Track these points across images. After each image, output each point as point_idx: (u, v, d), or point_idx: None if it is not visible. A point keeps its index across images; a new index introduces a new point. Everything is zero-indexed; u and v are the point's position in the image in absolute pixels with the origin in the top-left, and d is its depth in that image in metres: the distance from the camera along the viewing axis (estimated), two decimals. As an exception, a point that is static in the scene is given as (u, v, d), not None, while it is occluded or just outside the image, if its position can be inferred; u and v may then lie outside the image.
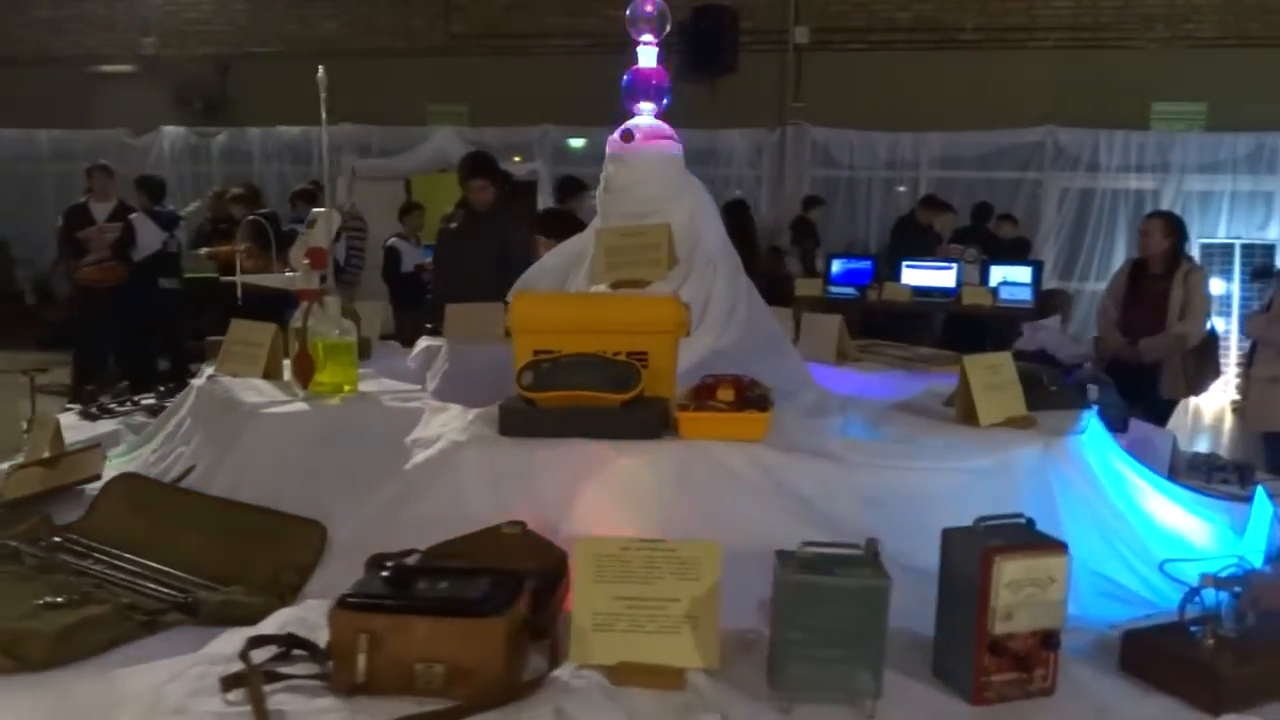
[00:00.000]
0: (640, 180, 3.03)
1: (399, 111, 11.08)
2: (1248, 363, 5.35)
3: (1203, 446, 6.38)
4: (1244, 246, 9.68)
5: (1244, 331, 7.30)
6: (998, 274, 8.08)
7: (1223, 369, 6.19)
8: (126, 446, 3.11)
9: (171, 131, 11.72)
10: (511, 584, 1.60)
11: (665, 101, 3.11)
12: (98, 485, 2.51)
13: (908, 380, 3.18)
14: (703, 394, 2.23)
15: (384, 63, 11.02)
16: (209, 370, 2.92)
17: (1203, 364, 5.07)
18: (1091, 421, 2.55)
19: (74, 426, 3.43)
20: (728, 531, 1.97)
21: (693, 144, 11.22)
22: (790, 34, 10.36)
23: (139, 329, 7.84)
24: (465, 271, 5.28)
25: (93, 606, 1.78)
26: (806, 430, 2.29)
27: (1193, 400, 6.71)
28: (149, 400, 3.71)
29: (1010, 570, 1.53)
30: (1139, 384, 5.01)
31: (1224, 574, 1.99)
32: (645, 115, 3.10)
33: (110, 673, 1.64)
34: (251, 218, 8.59)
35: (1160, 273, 5.14)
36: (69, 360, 8.21)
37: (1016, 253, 9.01)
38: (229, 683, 1.54)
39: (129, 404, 3.72)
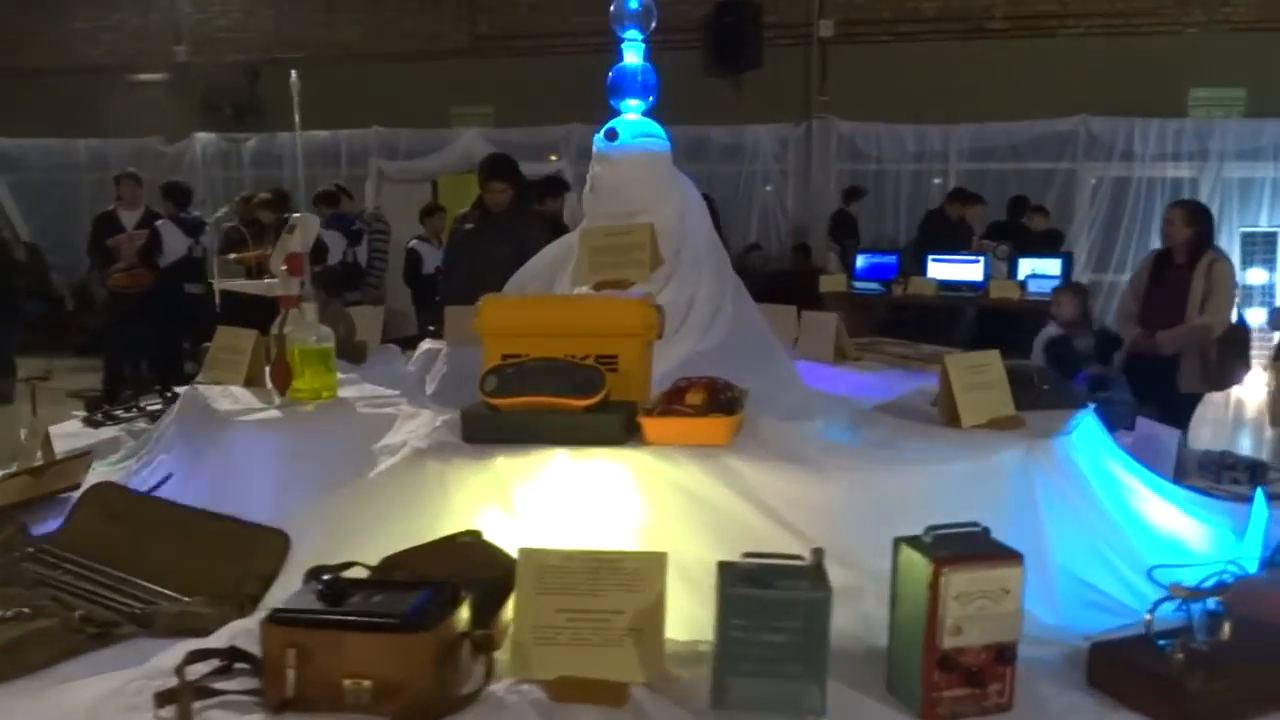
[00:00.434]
0: (625, 179, 2.98)
1: (425, 114, 11.13)
2: (1276, 356, 5.17)
3: (1243, 445, 6.15)
4: (1287, 234, 9.40)
5: (1269, 324, 7.09)
6: (1026, 266, 7.93)
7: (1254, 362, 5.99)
8: (124, 453, 3.13)
9: (203, 138, 11.88)
10: (447, 597, 1.56)
11: (651, 98, 3.05)
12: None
13: (904, 380, 3.09)
14: (673, 397, 2.18)
15: (410, 65, 11.07)
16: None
17: (1228, 357, 4.90)
18: (1085, 422, 2.46)
19: (77, 434, 3.47)
20: (688, 540, 1.94)
21: (718, 140, 11.19)
22: (815, 27, 10.23)
23: (167, 334, 7.95)
24: (477, 273, 5.25)
25: (41, 620, 1.78)
26: (782, 434, 2.22)
27: (1234, 394, 6.50)
28: (155, 406, 3.73)
29: (959, 582, 1.46)
30: (1157, 378, 4.87)
31: (1208, 581, 1.91)
32: (632, 113, 3.04)
33: (52, 688, 1.63)
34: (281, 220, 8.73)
35: (1183, 263, 4.98)
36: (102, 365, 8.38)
37: (1049, 245, 8.82)
38: (163, 698, 1.52)
39: (134, 410, 3.75)
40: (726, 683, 1.46)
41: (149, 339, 8.03)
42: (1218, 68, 9.50)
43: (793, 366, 2.91)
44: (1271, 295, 9.29)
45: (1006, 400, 2.37)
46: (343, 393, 2.72)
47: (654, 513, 2.01)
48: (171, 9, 11.92)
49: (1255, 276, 9.40)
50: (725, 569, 1.51)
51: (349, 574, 1.69)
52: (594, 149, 3.05)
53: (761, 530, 1.97)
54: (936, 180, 10.26)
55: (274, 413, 2.47)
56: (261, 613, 1.89)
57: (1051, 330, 5.98)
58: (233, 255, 9.51)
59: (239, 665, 1.64)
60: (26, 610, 1.81)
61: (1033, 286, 7.69)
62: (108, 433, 3.46)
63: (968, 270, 8.06)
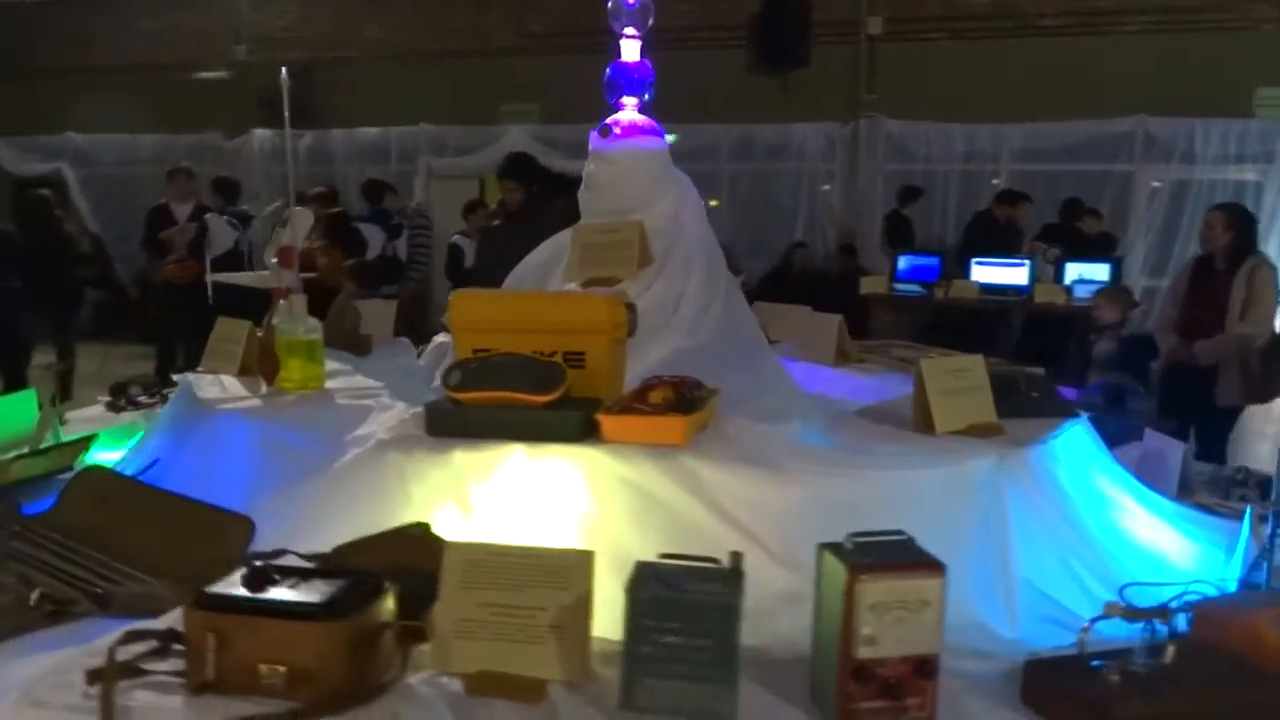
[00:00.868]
0: (620, 176, 2.98)
1: (474, 111, 11.25)
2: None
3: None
4: (1358, 242, 9.00)
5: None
6: (1073, 271, 7.73)
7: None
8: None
9: (261, 134, 12.16)
10: (369, 587, 1.57)
11: (648, 96, 3.04)
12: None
13: (903, 384, 3.02)
14: (639, 396, 2.17)
15: (459, 63, 11.20)
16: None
17: (1271, 368, 4.70)
18: (1071, 432, 2.39)
19: (99, 418, 3.58)
20: (638, 539, 1.92)
21: (763, 138, 11.13)
22: (863, 24, 10.09)
23: (211, 324, 8.13)
24: (503, 269, 5.30)
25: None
26: (748, 435, 2.19)
27: (1278, 407, 6.24)
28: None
29: (875, 592, 1.43)
30: (1195, 390, 4.70)
31: (1175, 601, 1.84)
32: (628, 110, 3.04)
33: (-1, 663, 1.68)
34: (327, 215, 8.90)
35: (1224, 269, 4.80)
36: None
37: (1102, 249, 8.58)
38: (92, 676, 1.56)
39: (156, 396, 3.85)
40: (635, 684, 1.44)
41: (196, 329, 8.23)
42: (1288, 66, 9.16)
43: (781, 367, 2.88)
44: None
45: (987, 407, 2.31)
46: (332, 384, 2.76)
47: (606, 511, 2.00)
48: (232, 10, 12.21)
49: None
50: (639, 569, 1.49)
51: (294, 562, 1.71)
52: (590, 146, 3.05)
53: (713, 531, 1.95)
54: (995, 181, 10.04)
55: (254, 401, 2.52)
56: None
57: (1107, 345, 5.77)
58: (281, 249, 9.71)
59: (176, 647, 1.67)
60: (-15, 587, 1.86)
61: (1079, 291, 7.49)
62: (127, 417, 3.57)
63: (1012, 274, 7.89)
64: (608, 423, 2.06)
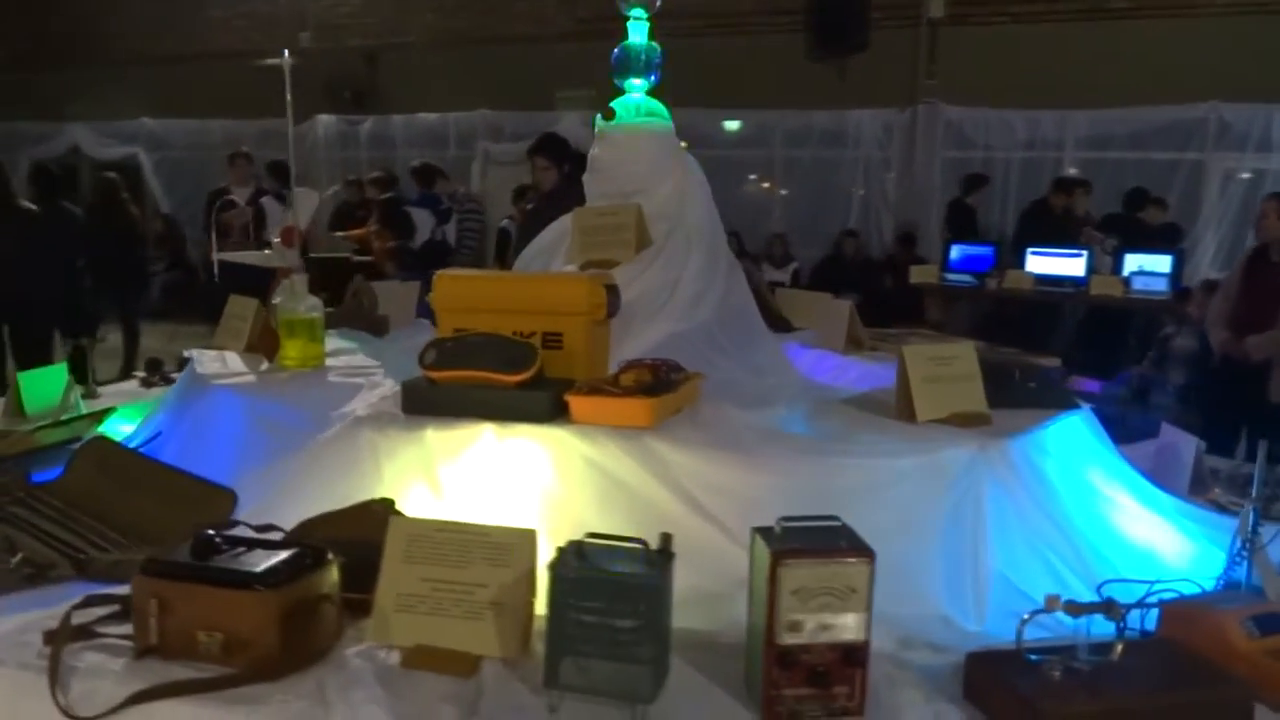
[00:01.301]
0: (624, 159, 2.97)
1: (531, 97, 11.30)
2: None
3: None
4: None
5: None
6: (1132, 262, 7.46)
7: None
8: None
9: (325, 120, 12.40)
10: (309, 559, 1.60)
11: (654, 77, 3.03)
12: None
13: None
14: (614, 378, 2.16)
15: (516, 49, 11.26)
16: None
17: (1327, 365, 4.48)
18: (1065, 424, 2.31)
19: (131, 393, 3.72)
20: (600, 521, 1.91)
21: (818, 125, 10.96)
22: (925, 8, 9.85)
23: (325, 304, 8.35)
24: (533, 250, 5.33)
25: (-21, 558, 1.91)
26: (722, 419, 2.17)
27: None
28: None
29: (798, 577, 1.40)
30: (1248, 387, 4.51)
31: (1151, 598, 1.78)
32: (635, 92, 3.02)
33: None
34: (381, 199, 9.06)
35: (1279, 260, 4.59)
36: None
37: (1165, 241, 8.27)
38: (48, 637, 1.62)
39: (187, 373, 3.97)
40: (557, 662, 1.44)
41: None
42: (1375, 50, 8.70)
43: (780, 353, 2.84)
44: None
45: (975, 396, 2.24)
46: (335, 362, 2.81)
47: (571, 492, 2.00)
48: (299, -2, 12.48)
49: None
50: (568, 548, 1.49)
51: (246, 533, 1.74)
52: (595, 128, 3.05)
53: (676, 515, 1.94)
54: (1074, 171, 9.70)
55: (249, 378, 2.57)
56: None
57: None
58: (339, 233, 9.97)
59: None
60: (-30, 549, 1.94)
61: (1138, 284, 7.24)
62: (157, 392, 3.69)
63: (1069, 264, 7.65)
64: (576, 404, 2.06)
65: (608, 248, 2.80)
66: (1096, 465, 2.33)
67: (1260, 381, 4.54)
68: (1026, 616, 1.50)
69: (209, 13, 12.91)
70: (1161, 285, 7.16)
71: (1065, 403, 2.42)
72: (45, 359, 5.59)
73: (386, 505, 1.96)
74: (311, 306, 2.74)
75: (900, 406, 2.24)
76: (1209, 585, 1.92)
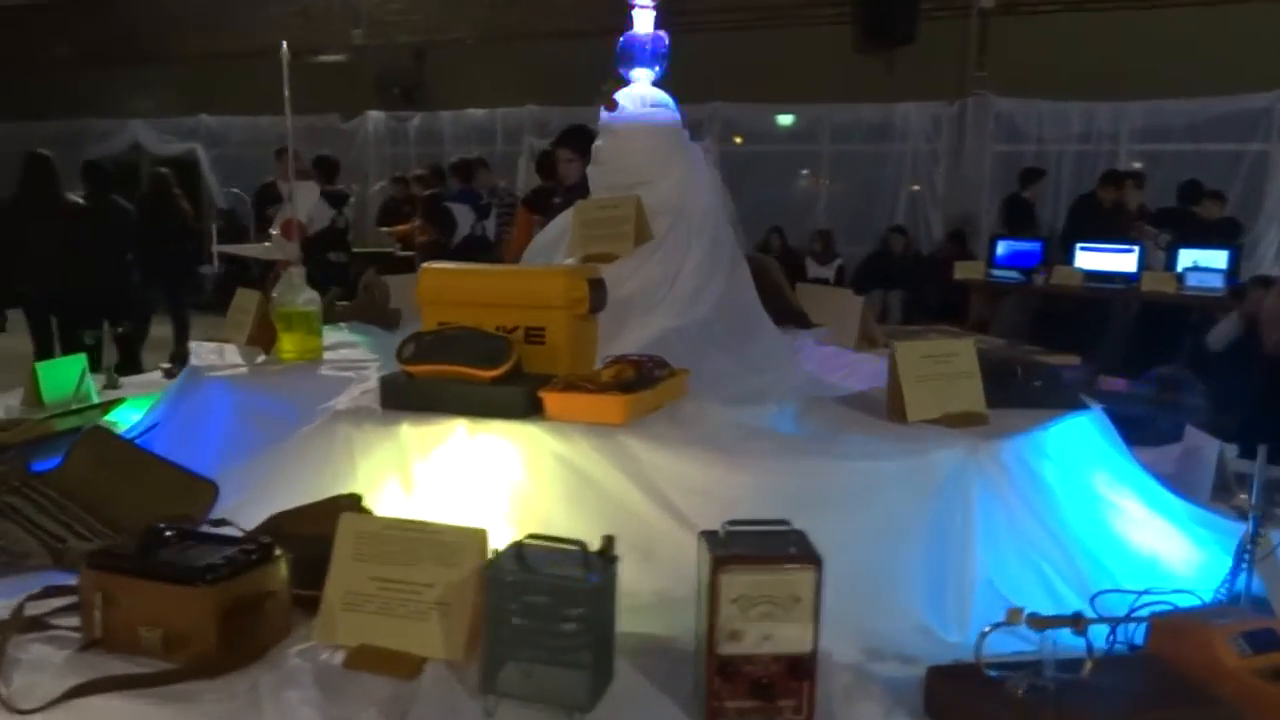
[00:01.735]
0: (627, 151, 2.91)
1: (578, 92, 11.27)
2: None
3: None
4: None
5: None
6: (1187, 258, 7.18)
7: None
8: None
9: (374, 116, 12.54)
10: (253, 554, 1.58)
11: (659, 68, 2.96)
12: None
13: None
14: (594, 374, 2.11)
15: (563, 44, 11.24)
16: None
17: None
18: (1072, 424, 2.20)
19: (154, 384, 3.76)
20: (568, 519, 1.87)
21: (865, 119, 10.77)
22: (975, -2, 9.62)
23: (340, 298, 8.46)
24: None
25: (-46, 546, 1.93)
26: (703, 417, 2.11)
27: None
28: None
29: (738, 585, 1.34)
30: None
31: (1140, 610, 1.68)
32: (641, 82, 2.96)
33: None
34: (424, 195, 9.12)
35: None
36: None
37: (1222, 235, 7.95)
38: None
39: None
40: (493, 667, 1.40)
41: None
42: None
43: (781, 349, 2.76)
44: None
45: (972, 395, 2.15)
46: (333, 355, 2.80)
47: (541, 490, 1.96)
48: (350, -9, 12.62)
49: None
50: (503, 551, 1.44)
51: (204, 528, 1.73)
52: (599, 120, 3.00)
53: (648, 515, 1.89)
54: (1137, 165, 9.37)
55: (241, 370, 2.57)
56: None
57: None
58: (385, 229, 10.08)
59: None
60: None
61: (1192, 280, 6.96)
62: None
63: (1120, 260, 7.40)
64: (550, 400, 2.01)
65: (606, 241, 2.75)
66: (1103, 469, 2.22)
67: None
68: (987, 629, 1.42)
69: (265, 11, 13.11)
70: (1217, 282, 6.88)
71: (1071, 403, 2.31)
72: (92, 349, 5.71)
73: (354, 501, 1.93)
74: (309, 299, 2.73)
75: (892, 406, 2.15)
76: (1210, 597, 1.81)
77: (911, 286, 9.44)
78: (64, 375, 3.24)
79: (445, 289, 2.28)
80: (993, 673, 1.38)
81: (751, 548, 1.38)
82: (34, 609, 1.66)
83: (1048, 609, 1.84)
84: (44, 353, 6.26)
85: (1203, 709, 1.39)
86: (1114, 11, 9.05)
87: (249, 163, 13.26)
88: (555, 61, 11.34)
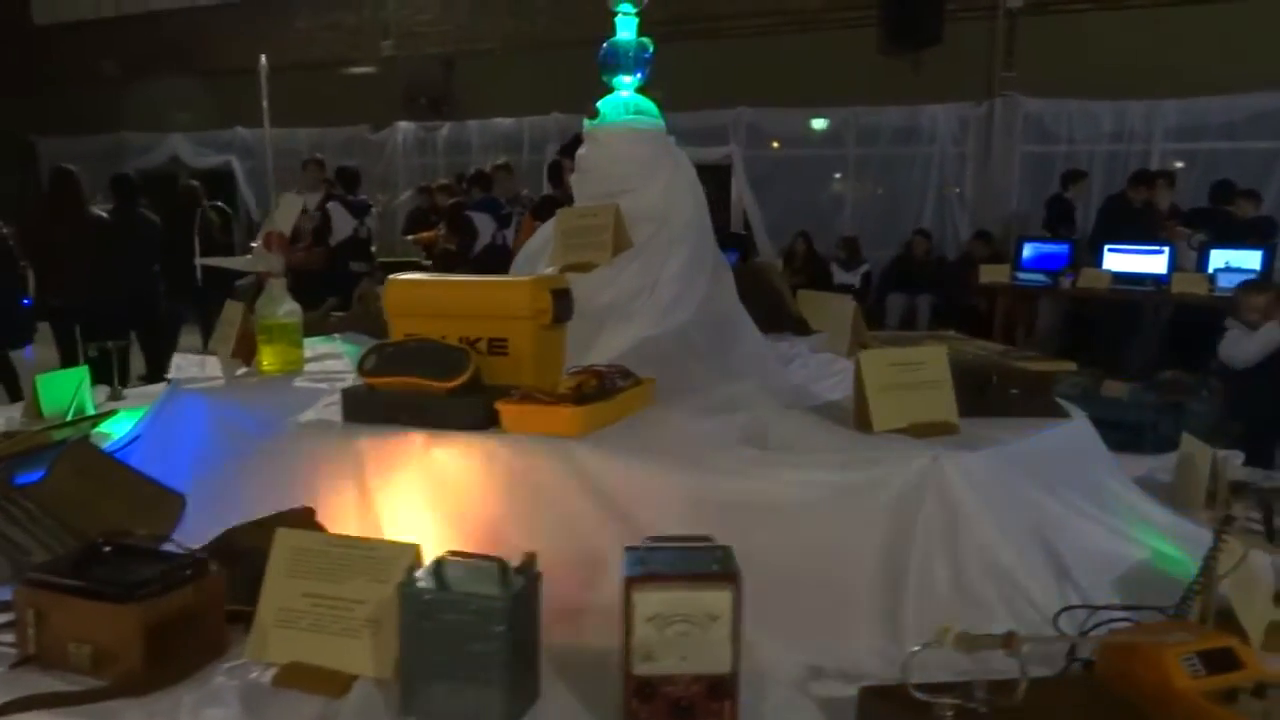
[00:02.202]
0: (610, 159, 2.90)
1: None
2: None
3: None
4: None
5: None
6: (1219, 258, 6.99)
7: None
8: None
9: (404, 126, 12.66)
10: (184, 570, 1.57)
11: (642, 74, 2.94)
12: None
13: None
14: (554, 385, 2.09)
15: (589, 53, 11.21)
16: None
17: None
18: (1051, 435, 2.13)
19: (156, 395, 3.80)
20: (519, 532, 1.85)
21: (891, 121, 10.66)
22: (1002, -2, 9.48)
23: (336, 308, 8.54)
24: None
25: (-85, 560, 1.95)
26: (668, 429, 2.07)
27: None
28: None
29: (653, 603, 1.30)
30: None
31: (1095, 628, 1.62)
32: (624, 89, 2.95)
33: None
34: (448, 205, 9.18)
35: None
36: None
37: (1259, 235, 7.73)
38: (-60, 643, 1.63)
39: (218, 377, 4.04)
40: (410, 687, 1.38)
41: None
42: None
43: (764, 358, 2.72)
44: None
45: (943, 404, 2.09)
46: (314, 367, 2.81)
47: (494, 503, 1.93)
48: (381, 6, 12.75)
49: None
50: (422, 568, 1.42)
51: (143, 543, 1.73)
52: (583, 128, 2.98)
53: (599, 526, 1.86)
54: (1180, 164, 9.14)
55: (218, 382, 2.58)
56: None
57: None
58: (410, 236, 10.15)
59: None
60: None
61: (1223, 281, 6.77)
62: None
63: (1150, 262, 7.22)
64: (506, 411, 1.99)
65: (585, 250, 2.73)
66: (1080, 481, 2.15)
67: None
68: (915, 649, 1.37)
69: (295, 24, 13.32)
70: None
71: (1051, 411, 2.24)
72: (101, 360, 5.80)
73: (308, 514, 1.93)
74: (289, 311, 2.74)
75: (858, 416, 2.10)
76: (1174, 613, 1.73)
77: (939, 291, 9.31)
78: (63, 387, 3.28)
79: (411, 300, 2.27)
80: (920, 695, 1.33)
81: (669, 565, 1.34)
82: (-21, 623, 1.67)
83: (1008, 626, 1.79)
84: (69, 364, 6.38)
85: (1146, 735, 1.33)
86: (1144, 9, 8.87)
87: (281, 175, 13.44)
88: (580, 70, 11.35)
